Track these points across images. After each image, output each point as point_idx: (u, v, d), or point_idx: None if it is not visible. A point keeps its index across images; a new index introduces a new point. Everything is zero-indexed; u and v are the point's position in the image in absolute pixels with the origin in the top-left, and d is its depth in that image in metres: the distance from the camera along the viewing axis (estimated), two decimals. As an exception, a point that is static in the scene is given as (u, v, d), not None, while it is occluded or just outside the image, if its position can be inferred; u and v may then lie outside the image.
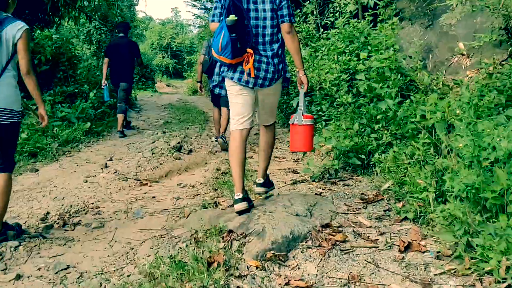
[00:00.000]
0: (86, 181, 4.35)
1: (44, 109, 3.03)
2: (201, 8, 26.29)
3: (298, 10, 8.44)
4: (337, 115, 5.46)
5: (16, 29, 2.73)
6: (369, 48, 6.39)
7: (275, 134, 3.32)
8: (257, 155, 3.93)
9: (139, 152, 5.68)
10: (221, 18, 2.83)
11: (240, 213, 2.86)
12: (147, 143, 6.25)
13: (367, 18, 6.78)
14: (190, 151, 5.71)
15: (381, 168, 3.86)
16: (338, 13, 7.16)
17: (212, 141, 6.49)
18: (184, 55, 40.61)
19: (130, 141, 6.64)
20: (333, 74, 5.22)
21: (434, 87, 6.08)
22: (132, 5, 29.72)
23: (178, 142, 5.81)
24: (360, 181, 3.92)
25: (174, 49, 41.26)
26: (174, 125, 7.99)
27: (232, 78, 2.97)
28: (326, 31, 7.36)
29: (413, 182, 3.16)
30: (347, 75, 5.37)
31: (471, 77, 6.38)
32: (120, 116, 7.06)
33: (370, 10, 6.78)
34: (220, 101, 6.19)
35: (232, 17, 2.70)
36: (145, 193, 4.01)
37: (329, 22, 7.26)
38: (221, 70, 3.06)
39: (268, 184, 3.41)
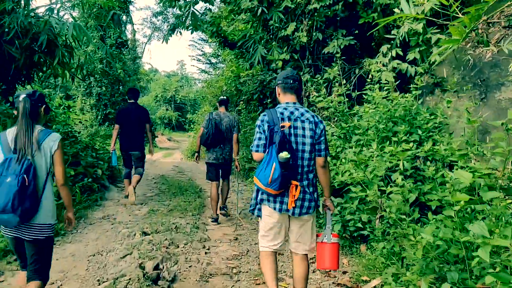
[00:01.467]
0: None
1: (72, 213, 2.96)
2: (206, 63, 25.57)
3: (319, 76, 6.96)
4: (386, 234, 3.76)
5: (52, 141, 2.76)
6: (419, 132, 4.84)
7: (309, 265, 3.22)
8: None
9: (98, 280, 3.92)
10: (267, 149, 2.91)
11: None
12: (116, 256, 4.49)
13: (413, 93, 5.21)
14: (173, 280, 3.94)
15: None
16: (374, 84, 5.61)
17: (206, 252, 4.78)
18: (188, 108, 39.67)
19: (97, 247, 4.91)
20: (394, 193, 3.53)
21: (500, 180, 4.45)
22: (137, 58, 29.24)
23: (156, 266, 4.05)
24: None
25: (178, 102, 40.44)
26: (160, 216, 6.25)
27: (270, 207, 3.03)
28: (358, 106, 5.77)
29: None
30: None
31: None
32: (135, 176, 7.16)
33: (417, 84, 5.22)
34: (219, 174, 6.10)
35: (285, 154, 2.77)
36: None
37: (364, 96, 5.70)
38: (260, 197, 3.09)
39: None
